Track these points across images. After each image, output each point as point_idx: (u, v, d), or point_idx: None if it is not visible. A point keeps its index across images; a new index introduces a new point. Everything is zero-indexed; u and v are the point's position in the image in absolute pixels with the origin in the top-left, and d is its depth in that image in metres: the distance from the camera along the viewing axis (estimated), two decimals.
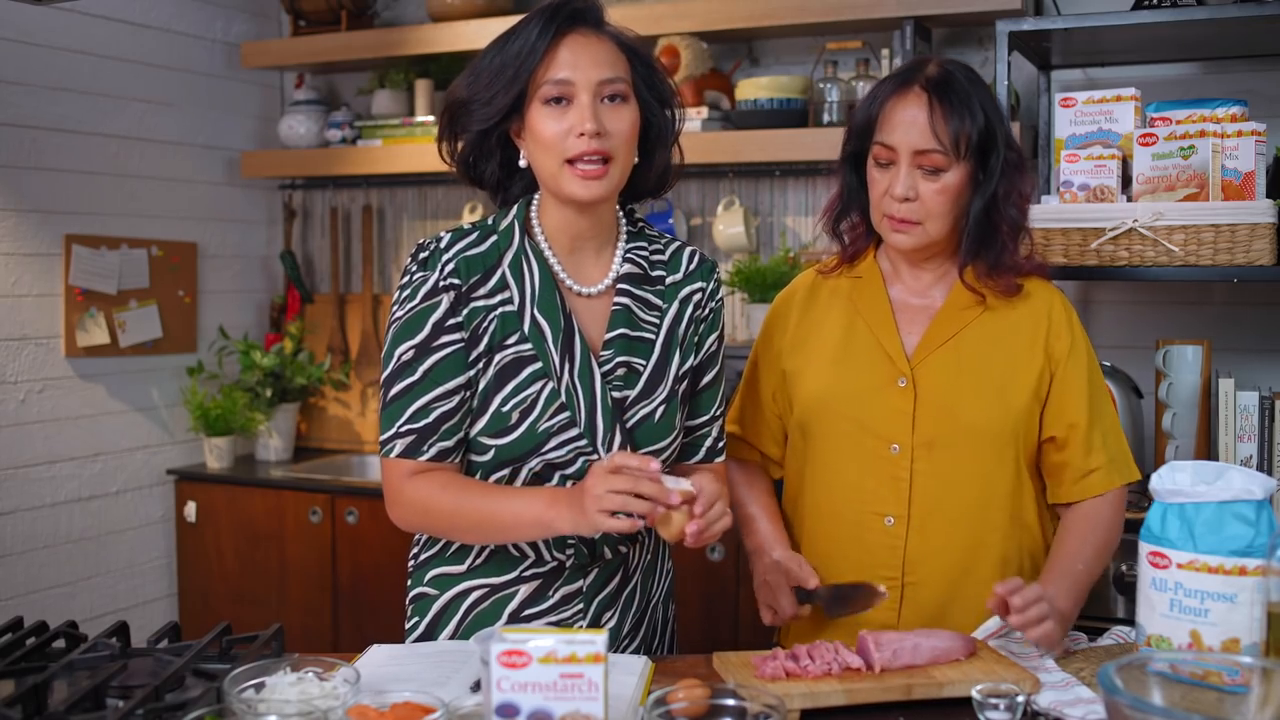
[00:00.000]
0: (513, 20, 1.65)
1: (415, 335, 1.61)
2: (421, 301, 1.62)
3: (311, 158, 3.76)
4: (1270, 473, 2.52)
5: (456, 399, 1.62)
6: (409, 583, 1.79)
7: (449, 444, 1.63)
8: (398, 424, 1.61)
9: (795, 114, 3.15)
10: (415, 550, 1.79)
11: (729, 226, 3.30)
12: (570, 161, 1.57)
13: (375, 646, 1.61)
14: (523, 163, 1.65)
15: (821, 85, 3.13)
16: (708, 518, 1.48)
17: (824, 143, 3.08)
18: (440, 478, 1.62)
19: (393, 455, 1.62)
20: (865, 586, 1.68)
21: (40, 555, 3.28)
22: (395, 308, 1.65)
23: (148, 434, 3.60)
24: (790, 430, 1.86)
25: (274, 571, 3.46)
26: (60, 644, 1.61)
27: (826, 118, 3.12)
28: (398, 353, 1.62)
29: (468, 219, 3.65)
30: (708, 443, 1.79)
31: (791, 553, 1.78)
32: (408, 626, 1.78)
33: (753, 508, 1.87)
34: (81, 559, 3.40)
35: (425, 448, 1.61)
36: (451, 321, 1.61)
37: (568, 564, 1.69)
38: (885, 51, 3.10)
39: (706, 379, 1.77)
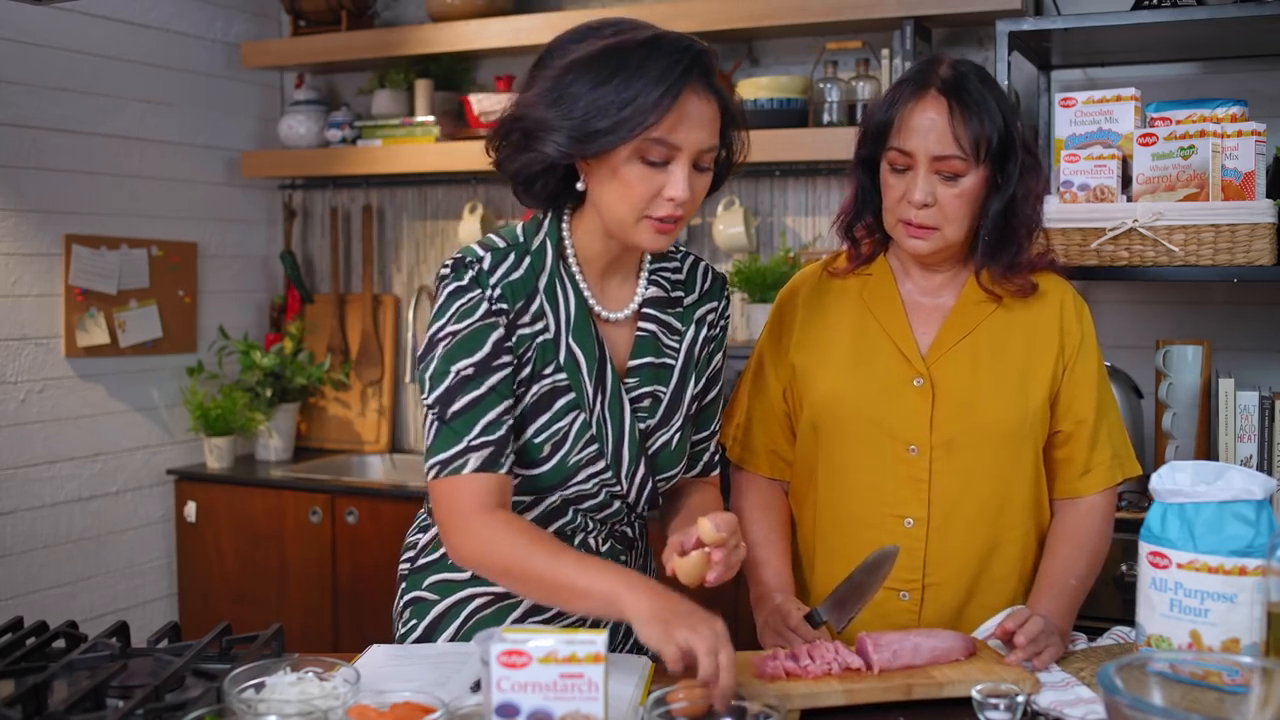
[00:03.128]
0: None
1: (475, 353, 1.53)
2: (481, 319, 1.54)
3: (311, 158, 3.76)
4: (1270, 473, 2.52)
5: (513, 416, 1.56)
6: (403, 586, 1.76)
7: (514, 458, 1.57)
8: (468, 438, 1.51)
9: (795, 114, 3.15)
10: (411, 554, 1.77)
11: (729, 226, 3.30)
12: (649, 217, 1.52)
13: (375, 646, 1.60)
14: (580, 186, 1.56)
15: (821, 85, 3.13)
16: (728, 563, 1.46)
17: (824, 143, 3.08)
18: (511, 520, 1.51)
19: (465, 472, 1.50)
20: (859, 573, 1.61)
21: (40, 555, 3.28)
22: (448, 322, 1.54)
23: (148, 434, 3.59)
24: (800, 429, 1.84)
25: (274, 571, 3.46)
26: (60, 644, 1.61)
27: (826, 118, 3.12)
28: (455, 369, 1.52)
29: (467, 219, 3.64)
30: (705, 457, 1.79)
31: (794, 599, 1.75)
32: (401, 630, 1.74)
33: (762, 551, 1.82)
34: (81, 559, 3.40)
35: (503, 459, 1.52)
36: (507, 344, 1.56)
37: None
38: (885, 51, 3.10)
39: (711, 395, 1.77)
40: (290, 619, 3.34)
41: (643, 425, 1.64)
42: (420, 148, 3.56)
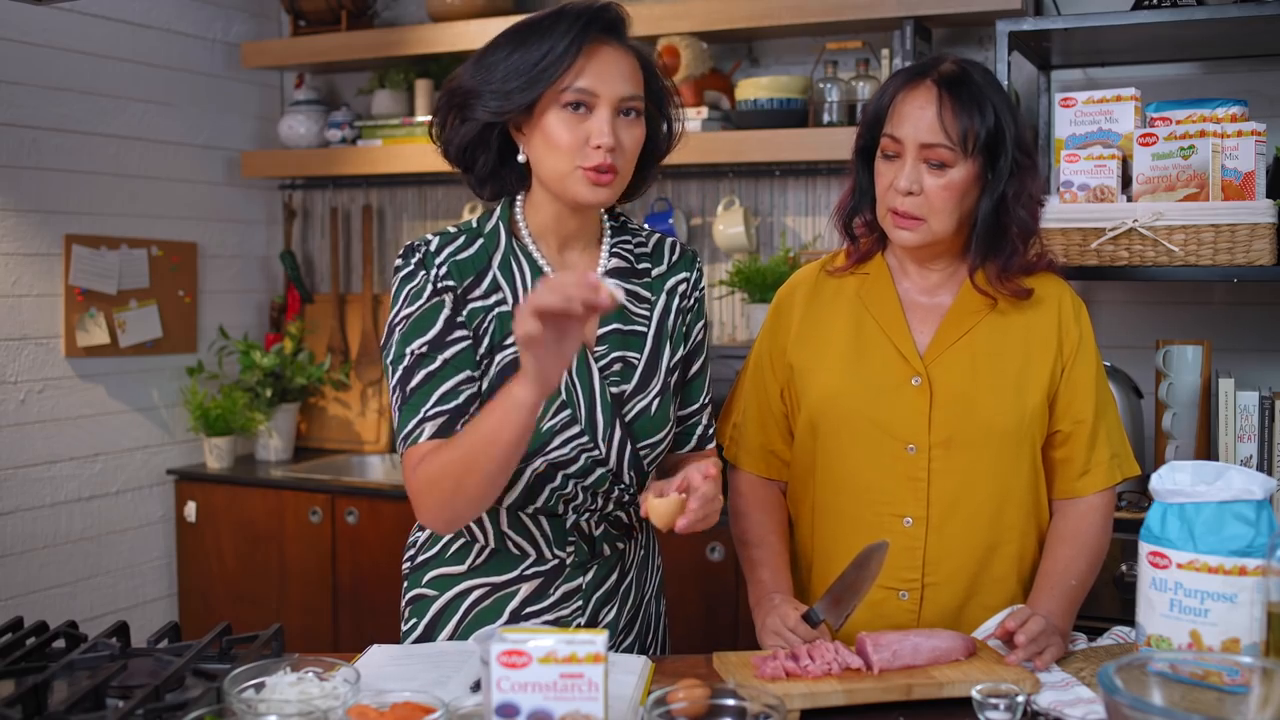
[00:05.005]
0: (513, 21, 1.65)
1: (427, 332, 1.59)
2: (428, 300, 1.60)
3: (311, 158, 3.76)
4: (1270, 473, 2.52)
5: (476, 385, 1.60)
6: (405, 585, 1.78)
7: None
8: (424, 409, 1.56)
9: (795, 114, 3.15)
10: (411, 552, 1.79)
11: (729, 226, 3.30)
12: (581, 167, 1.58)
13: (375, 646, 1.61)
14: (521, 158, 1.64)
15: (821, 85, 3.13)
16: (697, 514, 1.48)
17: (824, 143, 3.08)
18: (434, 449, 1.54)
19: (424, 439, 1.55)
20: (851, 570, 1.61)
21: (40, 555, 3.28)
22: (401, 307, 1.61)
23: (148, 434, 3.59)
24: (798, 428, 1.84)
25: (274, 571, 3.46)
26: (60, 644, 1.61)
27: (826, 118, 3.12)
28: (410, 350, 1.59)
29: (467, 219, 3.64)
30: (699, 430, 1.80)
31: (791, 599, 1.74)
32: (405, 629, 1.77)
33: (759, 551, 1.82)
34: (81, 559, 3.40)
35: (459, 427, 1.56)
36: (459, 319, 1.61)
37: (568, 561, 1.69)
38: (885, 51, 3.10)
39: (695, 367, 1.78)
40: (290, 619, 3.34)
41: (615, 389, 1.65)
42: (420, 148, 3.56)
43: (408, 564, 1.79)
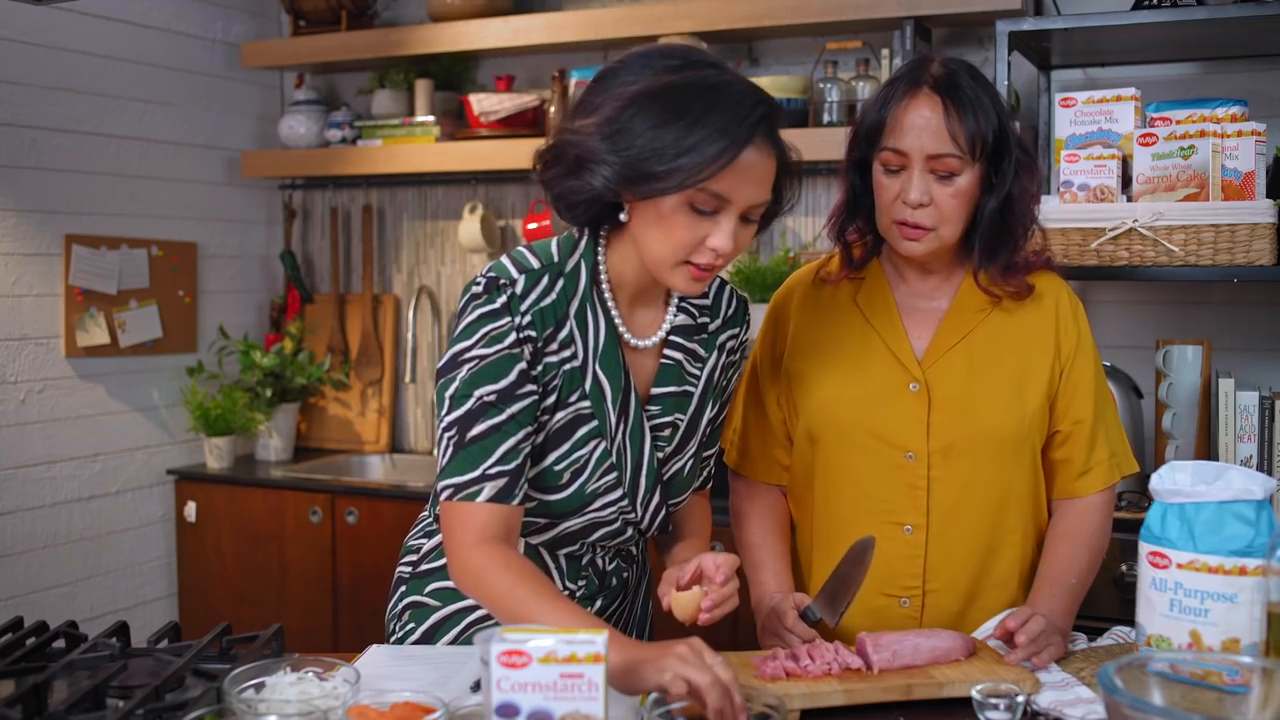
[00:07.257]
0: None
1: (500, 380, 1.50)
2: (510, 348, 1.51)
3: (311, 158, 3.76)
4: (1270, 473, 2.52)
5: (531, 444, 1.54)
6: (404, 589, 1.75)
7: (527, 488, 1.55)
8: (484, 466, 1.48)
9: (795, 114, 3.15)
10: (414, 558, 1.76)
11: None
12: (688, 262, 1.49)
13: (375, 646, 1.60)
14: (623, 217, 1.51)
15: (821, 85, 3.13)
16: (719, 605, 1.47)
17: (824, 143, 3.08)
18: (504, 556, 1.47)
19: (479, 500, 1.47)
20: (843, 566, 1.60)
21: (40, 555, 3.28)
22: (476, 345, 1.51)
23: (148, 434, 3.59)
24: (796, 437, 1.83)
25: (274, 571, 3.46)
26: (60, 644, 1.61)
27: (826, 118, 3.12)
28: (478, 393, 1.49)
29: (467, 219, 3.64)
30: (706, 472, 1.79)
31: (789, 597, 1.72)
32: (400, 634, 1.73)
33: (760, 554, 1.82)
34: (81, 559, 3.40)
35: (516, 491, 1.50)
36: (533, 373, 1.53)
37: (579, 594, 1.68)
38: (885, 51, 3.10)
39: (721, 416, 1.77)
40: (290, 619, 3.34)
41: (660, 454, 1.63)
42: (420, 148, 3.56)
43: (408, 569, 1.76)
